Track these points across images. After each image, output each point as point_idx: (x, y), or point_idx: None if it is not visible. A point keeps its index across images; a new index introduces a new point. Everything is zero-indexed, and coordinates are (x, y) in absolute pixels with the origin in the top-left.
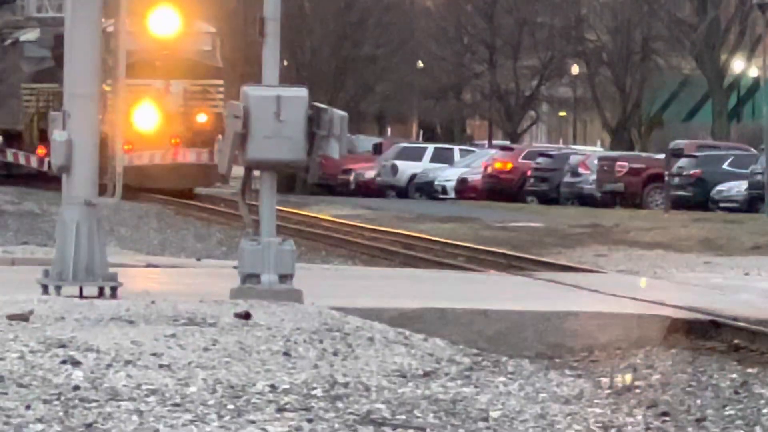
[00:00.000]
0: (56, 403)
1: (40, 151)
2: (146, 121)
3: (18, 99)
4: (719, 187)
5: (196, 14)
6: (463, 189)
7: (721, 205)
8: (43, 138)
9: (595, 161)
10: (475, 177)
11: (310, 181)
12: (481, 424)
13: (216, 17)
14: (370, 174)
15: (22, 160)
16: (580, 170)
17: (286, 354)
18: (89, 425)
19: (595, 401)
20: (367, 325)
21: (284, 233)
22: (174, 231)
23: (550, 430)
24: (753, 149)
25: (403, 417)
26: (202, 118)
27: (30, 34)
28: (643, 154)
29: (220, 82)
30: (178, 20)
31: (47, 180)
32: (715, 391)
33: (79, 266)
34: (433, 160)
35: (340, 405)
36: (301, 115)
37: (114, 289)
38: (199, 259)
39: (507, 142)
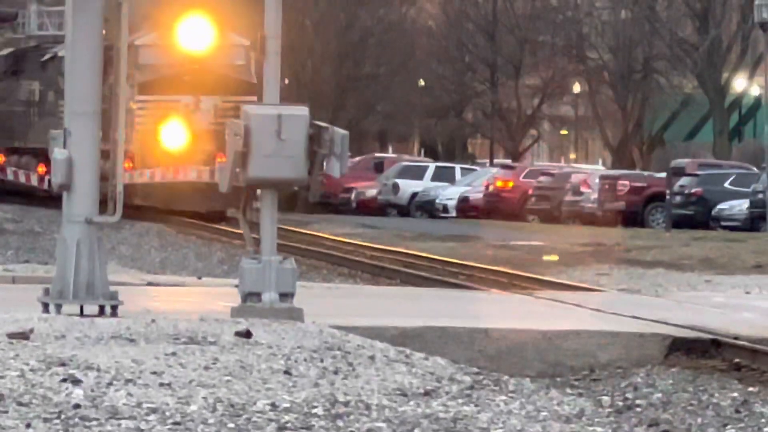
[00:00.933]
0: (56, 421)
1: (41, 169)
2: (174, 138)
3: (57, 118)
4: (720, 206)
5: (228, 26)
6: (465, 208)
7: (723, 223)
8: None
9: (597, 180)
10: (477, 196)
11: (311, 199)
12: None
13: (250, 29)
14: (371, 192)
15: (22, 179)
16: (582, 189)
17: (287, 372)
18: None
19: (596, 420)
20: (367, 343)
21: (285, 252)
22: (175, 249)
23: None
24: (755, 168)
25: None
26: None
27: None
28: (645, 173)
29: (254, 98)
30: (211, 32)
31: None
32: (716, 409)
33: (80, 285)
34: (434, 178)
35: (340, 424)
36: (302, 134)
37: (114, 308)
38: (200, 278)
39: (508, 161)
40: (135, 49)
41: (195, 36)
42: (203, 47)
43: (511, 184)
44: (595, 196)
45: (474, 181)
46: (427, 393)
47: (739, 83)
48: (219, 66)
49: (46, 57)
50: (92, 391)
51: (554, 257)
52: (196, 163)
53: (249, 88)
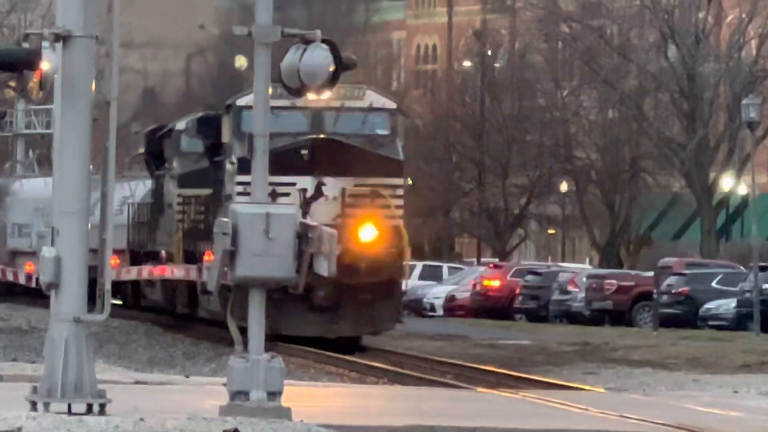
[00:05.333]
0: None
1: (28, 267)
2: None
3: (173, 210)
4: (708, 305)
5: (367, 83)
6: (452, 306)
7: (710, 323)
8: (191, 261)
9: (584, 279)
10: (464, 294)
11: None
12: None
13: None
14: None
15: (9, 277)
16: (569, 288)
17: None
18: None
19: None
20: None
21: (273, 350)
22: (163, 348)
23: None
24: (742, 267)
25: None
26: (369, 232)
27: (187, 120)
28: (632, 272)
29: (400, 181)
30: (342, 91)
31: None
32: None
33: (68, 383)
34: (421, 277)
35: None
36: (290, 233)
37: (103, 406)
38: (187, 376)
39: (496, 260)
40: (236, 112)
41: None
42: (331, 111)
43: (498, 282)
44: (582, 295)
45: (461, 280)
46: None
47: (727, 182)
48: (352, 137)
49: (162, 132)
50: None
51: None
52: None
53: (393, 167)
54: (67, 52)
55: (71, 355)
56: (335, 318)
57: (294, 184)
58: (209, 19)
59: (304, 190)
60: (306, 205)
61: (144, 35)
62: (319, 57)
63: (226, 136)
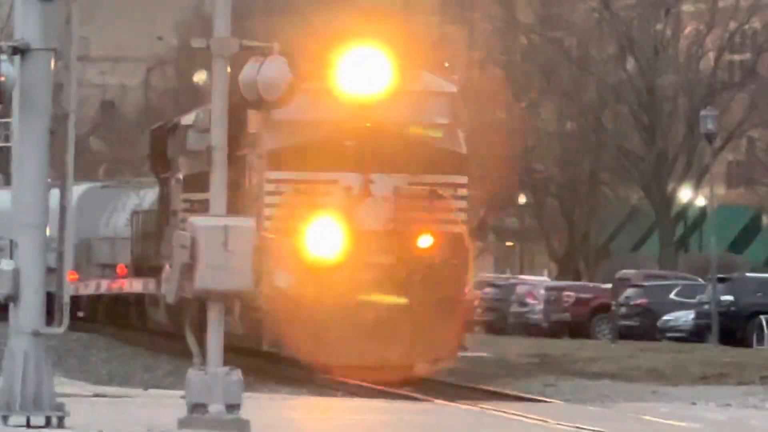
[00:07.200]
0: None
1: None
2: (327, 242)
3: (178, 218)
4: (666, 317)
5: (421, 62)
6: None
7: (668, 334)
8: None
9: (543, 291)
10: None
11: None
12: None
13: (456, 69)
14: None
15: None
16: (528, 300)
17: None
18: None
19: None
20: None
21: (231, 363)
22: (122, 361)
23: None
24: (700, 279)
25: None
26: (426, 240)
27: (197, 112)
28: (591, 284)
29: (463, 179)
30: (391, 71)
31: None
32: None
33: (27, 396)
34: None
35: None
36: (249, 246)
37: (61, 419)
38: (146, 389)
39: None
40: None
41: (364, 77)
42: (378, 95)
43: None
44: (541, 307)
45: None
46: None
47: (685, 194)
48: (404, 126)
49: (167, 125)
50: None
51: None
52: (366, 287)
53: (454, 162)
54: (25, 65)
55: (30, 368)
56: (386, 343)
57: (336, 182)
58: (168, 32)
59: (349, 189)
60: (351, 206)
61: (103, 48)
62: (277, 70)
63: (252, 126)
